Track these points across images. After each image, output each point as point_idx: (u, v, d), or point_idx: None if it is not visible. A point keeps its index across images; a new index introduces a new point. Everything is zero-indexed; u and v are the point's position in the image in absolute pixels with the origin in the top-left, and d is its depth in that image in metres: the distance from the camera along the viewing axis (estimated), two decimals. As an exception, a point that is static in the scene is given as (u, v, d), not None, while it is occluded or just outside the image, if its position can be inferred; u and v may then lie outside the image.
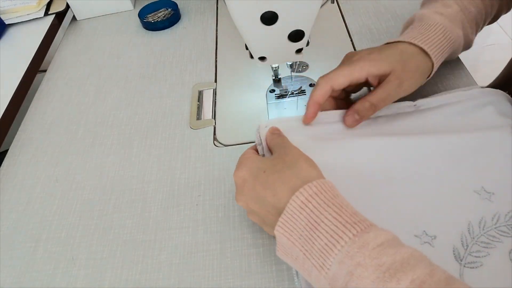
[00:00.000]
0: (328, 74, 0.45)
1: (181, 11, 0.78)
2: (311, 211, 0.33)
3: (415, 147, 0.45)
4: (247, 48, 0.50)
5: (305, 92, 0.59)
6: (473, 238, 0.39)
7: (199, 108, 0.60)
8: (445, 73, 0.56)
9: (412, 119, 0.48)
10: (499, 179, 0.42)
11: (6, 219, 0.51)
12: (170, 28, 0.76)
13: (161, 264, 0.44)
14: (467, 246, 0.38)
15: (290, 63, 0.60)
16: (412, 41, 0.46)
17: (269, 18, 0.44)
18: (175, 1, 0.78)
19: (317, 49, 0.59)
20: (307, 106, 0.45)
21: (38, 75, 0.71)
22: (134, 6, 0.83)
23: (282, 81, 0.59)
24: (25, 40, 0.76)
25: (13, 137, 0.61)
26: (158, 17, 0.76)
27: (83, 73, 0.70)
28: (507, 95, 0.50)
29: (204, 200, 0.49)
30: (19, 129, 0.63)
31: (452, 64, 0.57)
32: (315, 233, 0.33)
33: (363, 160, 0.44)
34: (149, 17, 0.77)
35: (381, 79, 0.45)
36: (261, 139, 0.44)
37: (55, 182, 0.54)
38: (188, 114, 0.59)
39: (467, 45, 0.52)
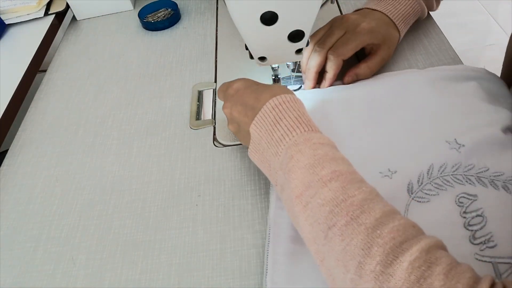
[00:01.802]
0: (338, 50, 0.53)
1: (181, 11, 0.78)
2: (280, 111, 0.40)
3: (394, 97, 0.51)
4: (247, 48, 0.50)
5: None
6: (430, 178, 0.43)
7: (199, 108, 0.60)
8: (445, 73, 0.56)
9: (399, 79, 0.54)
10: (474, 137, 0.44)
11: (6, 219, 0.51)
12: (170, 28, 0.76)
13: (161, 264, 0.44)
14: (422, 183, 0.43)
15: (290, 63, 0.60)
16: (387, 13, 0.55)
17: (269, 18, 0.44)
18: (175, 1, 0.78)
19: (317, 49, 0.59)
20: (330, 78, 0.54)
21: (38, 75, 0.71)
22: (134, 6, 0.83)
23: (281, 82, 0.59)
24: (25, 40, 0.76)
25: (13, 137, 0.61)
26: (158, 17, 0.76)
27: (83, 73, 0.70)
28: (495, 75, 0.53)
29: (204, 200, 0.49)
30: (19, 129, 0.63)
31: (452, 64, 0.57)
32: (276, 126, 0.40)
33: (345, 105, 0.51)
34: (149, 17, 0.77)
35: (373, 46, 0.55)
36: None
37: (55, 182, 0.54)
38: (188, 114, 0.59)
39: (430, 9, 0.62)
